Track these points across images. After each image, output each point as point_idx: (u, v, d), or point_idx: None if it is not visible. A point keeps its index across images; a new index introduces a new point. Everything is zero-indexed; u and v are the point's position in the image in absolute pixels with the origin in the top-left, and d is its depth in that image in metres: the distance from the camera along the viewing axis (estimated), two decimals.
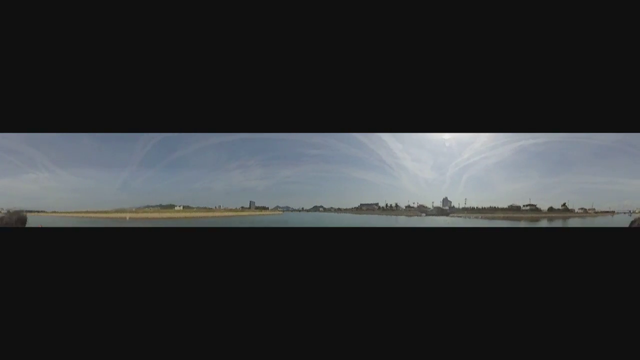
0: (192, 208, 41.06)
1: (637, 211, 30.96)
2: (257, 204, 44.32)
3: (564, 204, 35.34)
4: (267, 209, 44.17)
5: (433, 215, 38.38)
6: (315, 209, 43.72)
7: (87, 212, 38.07)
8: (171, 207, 41.21)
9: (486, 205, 36.23)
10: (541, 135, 30.71)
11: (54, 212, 38.09)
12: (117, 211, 38.82)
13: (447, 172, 38.53)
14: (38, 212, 36.67)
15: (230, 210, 41.75)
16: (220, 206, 42.76)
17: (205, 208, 41.92)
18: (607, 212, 34.81)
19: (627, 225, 3.39)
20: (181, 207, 40.49)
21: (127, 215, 37.00)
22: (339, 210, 43.43)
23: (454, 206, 38.78)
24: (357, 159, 41.38)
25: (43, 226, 5.20)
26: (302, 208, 43.92)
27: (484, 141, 34.79)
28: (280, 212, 42.90)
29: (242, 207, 43.71)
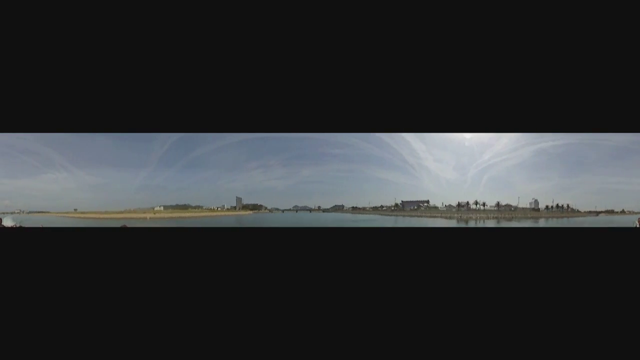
0: (172, 208, 39.68)
1: None
2: (274, 204, 42.20)
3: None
4: (261, 207, 42.17)
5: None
6: (336, 208, 41.68)
7: (100, 213, 37.30)
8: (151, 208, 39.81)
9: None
10: (560, 137, 32.08)
11: (66, 213, 37.42)
12: (126, 212, 37.51)
13: (468, 173, 39.01)
14: (58, 213, 36.43)
15: (208, 210, 40.73)
16: (223, 206, 40.89)
17: (186, 209, 40.28)
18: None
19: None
20: (161, 208, 39.74)
21: (148, 216, 36.58)
22: (380, 209, 40.79)
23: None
24: (379, 158, 40.22)
25: (44, 226, 6.21)
26: (319, 206, 41.43)
27: (505, 143, 35.78)
28: (250, 212, 42.17)
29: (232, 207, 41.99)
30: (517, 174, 38.67)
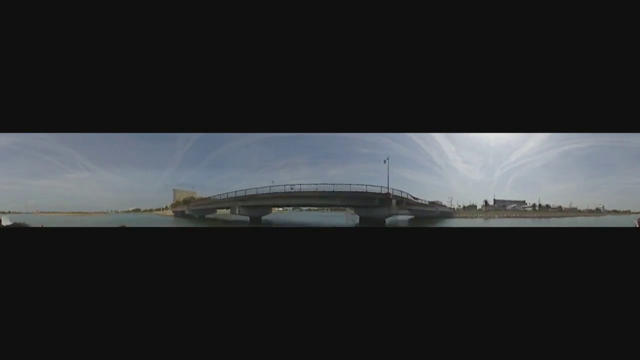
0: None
1: None
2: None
3: None
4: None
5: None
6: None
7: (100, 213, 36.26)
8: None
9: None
10: (584, 138, 32.18)
11: (72, 212, 36.62)
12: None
13: (494, 174, 39.32)
14: (82, 213, 35.84)
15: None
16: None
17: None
18: None
19: None
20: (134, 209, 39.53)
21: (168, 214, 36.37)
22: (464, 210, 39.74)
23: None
24: (407, 159, 40.00)
25: (44, 226, 6.29)
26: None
27: (531, 146, 36.28)
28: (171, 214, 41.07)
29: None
30: (543, 175, 39.58)
